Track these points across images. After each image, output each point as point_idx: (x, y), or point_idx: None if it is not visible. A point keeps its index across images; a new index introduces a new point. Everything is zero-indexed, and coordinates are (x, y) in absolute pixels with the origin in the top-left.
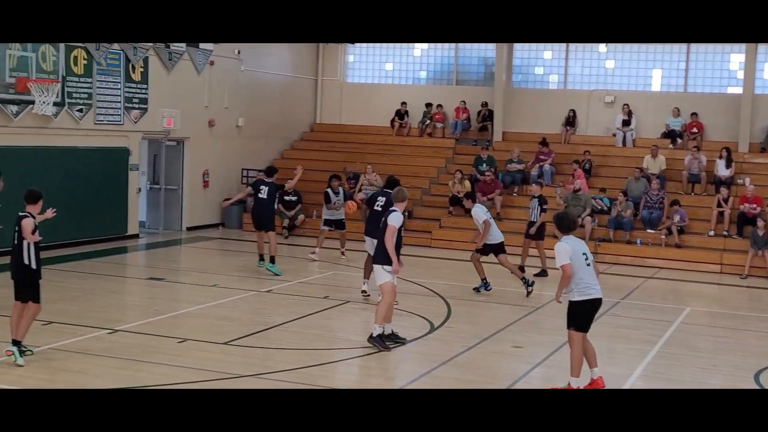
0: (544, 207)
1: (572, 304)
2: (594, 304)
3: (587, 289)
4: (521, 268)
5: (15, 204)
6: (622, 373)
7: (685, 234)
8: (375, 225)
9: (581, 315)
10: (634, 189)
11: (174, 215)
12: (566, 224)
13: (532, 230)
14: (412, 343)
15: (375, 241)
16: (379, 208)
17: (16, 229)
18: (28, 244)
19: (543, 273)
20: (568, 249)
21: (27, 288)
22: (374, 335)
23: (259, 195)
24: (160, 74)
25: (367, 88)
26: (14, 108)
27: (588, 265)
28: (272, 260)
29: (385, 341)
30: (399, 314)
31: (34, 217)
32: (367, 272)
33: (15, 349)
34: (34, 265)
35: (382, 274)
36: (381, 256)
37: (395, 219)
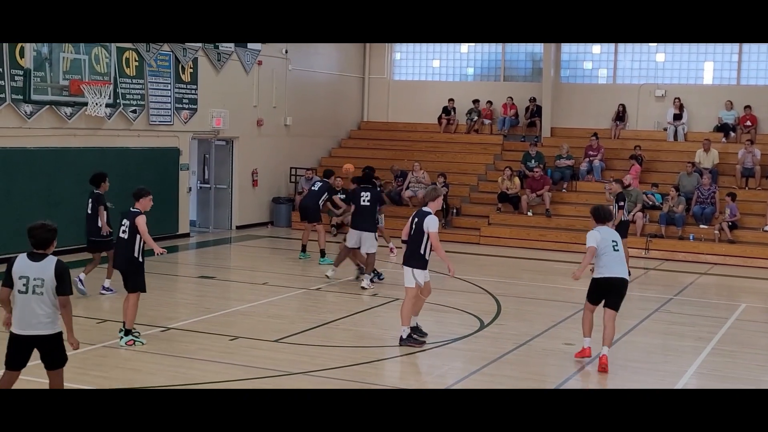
0: (621, 204)
1: (592, 281)
2: (608, 282)
3: (604, 269)
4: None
5: (74, 202)
6: (677, 370)
7: (738, 229)
8: (362, 218)
9: (595, 290)
10: (687, 184)
11: (224, 214)
12: (601, 215)
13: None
14: (462, 340)
15: (360, 234)
16: (367, 203)
17: (124, 224)
18: (140, 239)
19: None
20: (597, 236)
21: (135, 279)
22: (404, 337)
23: (312, 188)
24: (209, 75)
25: (414, 86)
26: (68, 110)
27: (617, 251)
28: (322, 254)
29: (417, 337)
30: (448, 311)
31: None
32: (339, 261)
33: (131, 338)
34: (141, 259)
35: (410, 277)
36: (412, 260)
37: (434, 224)
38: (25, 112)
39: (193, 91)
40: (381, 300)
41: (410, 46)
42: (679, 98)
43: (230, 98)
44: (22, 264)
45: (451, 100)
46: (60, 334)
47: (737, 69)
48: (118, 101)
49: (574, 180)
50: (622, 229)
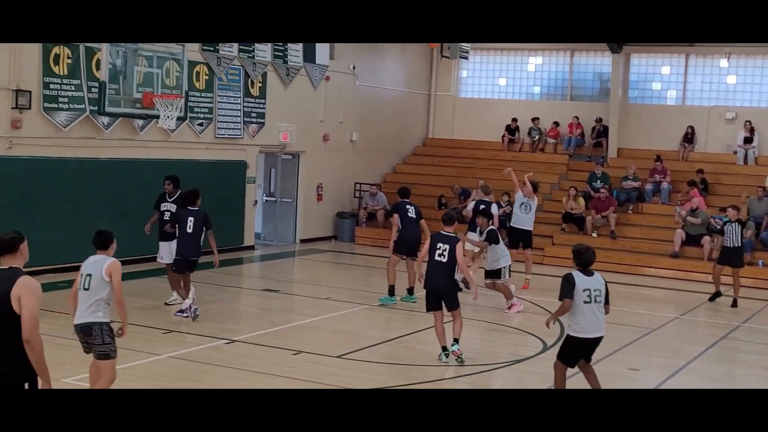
0: (744, 230)
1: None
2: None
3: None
4: (718, 294)
5: (141, 213)
6: None
7: None
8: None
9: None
10: (757, 209)
11: (288, 227)
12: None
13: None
14: (526, 361)
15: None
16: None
17: (440, 247)
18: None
19: (734, 304)
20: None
21: (455, 298)
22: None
23: (408, 214)
24: (278, 89)
25: (480, 103)
26: (140, 122)
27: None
28: (409, 291)
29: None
30: (511, 332)
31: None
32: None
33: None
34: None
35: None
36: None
37: (496, 209)
38: (103, 123)
39: (261, 105)
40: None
41: (477, 63)
42: (749, 121)
43: (297, 113)
44: (583, 279)
45: (514, 119)
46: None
47: None
48: (186, 114)
49: (641, 202)
50: (739, 255)
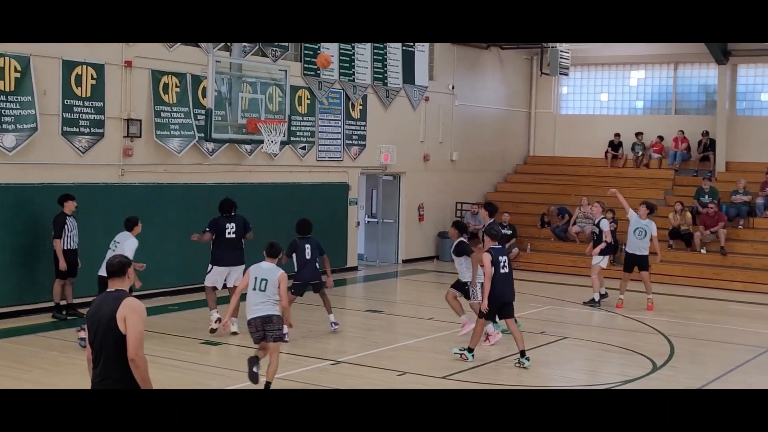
0: None
1: None
2: None
3: None
4: None
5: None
6: None
7: None
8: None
9: None
10: None
11: (390, 248)
12: None
13: None
14: (633, 382)
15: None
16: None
17: (502, 260)
18: None
19: None
20: None
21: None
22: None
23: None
24: (378, 111)
25: (581, 120)
26: (247, 147)
27: None
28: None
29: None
30: (619, 352)
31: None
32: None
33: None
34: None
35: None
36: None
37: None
38: (207, 150)
39: (362, 128)
40: (549, 338)
41: (578, 80)
42: None
43: (398, 134)
44: None
45: (617, 134)
46: None
47: None
48: (289, 138)
49: (751, 216)
50: None
